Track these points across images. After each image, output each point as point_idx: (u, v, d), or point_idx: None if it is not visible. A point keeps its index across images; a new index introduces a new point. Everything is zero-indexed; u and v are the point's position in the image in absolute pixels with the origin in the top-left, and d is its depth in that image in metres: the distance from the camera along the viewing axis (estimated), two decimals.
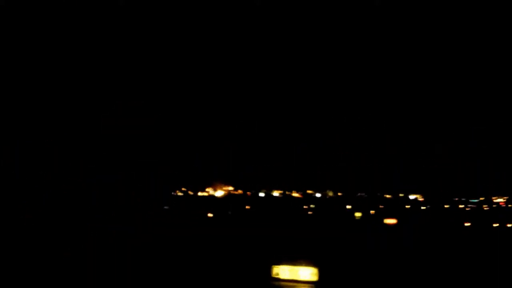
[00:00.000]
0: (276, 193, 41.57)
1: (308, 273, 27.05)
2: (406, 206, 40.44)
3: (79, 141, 39.67)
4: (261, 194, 41.49)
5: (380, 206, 40.46)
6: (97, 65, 38.71)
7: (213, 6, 36.83)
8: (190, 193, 42.24)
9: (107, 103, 39.47)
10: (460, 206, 39.60)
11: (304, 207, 41.22)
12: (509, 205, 39.10)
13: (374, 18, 36.34)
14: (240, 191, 41.71)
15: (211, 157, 39.97)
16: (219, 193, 41.75)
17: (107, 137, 39.67)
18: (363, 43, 36.77)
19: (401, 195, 40.43)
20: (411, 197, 40.49)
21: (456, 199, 39.28)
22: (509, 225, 37.62)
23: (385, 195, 40.67)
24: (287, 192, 41.47)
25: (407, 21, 35.58)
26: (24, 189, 38.92)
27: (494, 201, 39.42)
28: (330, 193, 40.91)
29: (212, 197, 41.92)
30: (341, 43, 36.65)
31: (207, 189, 42.03)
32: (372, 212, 40.40)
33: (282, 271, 27.42)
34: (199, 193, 42.46)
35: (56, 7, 37.57)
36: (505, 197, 39.22)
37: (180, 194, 41.77)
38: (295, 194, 41.41)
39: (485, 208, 39.17)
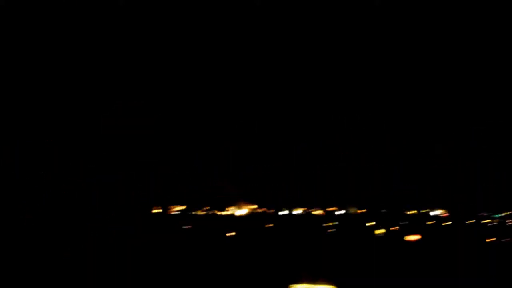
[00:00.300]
0: (297, 211, 41.28)
1: None
2: (429, 222, 40.01)
3: (79, 141, 39.91)
4: (283, 213, 41.21)
5: (403, 223, 40.00)
6: (97, 65, 39.50)
7: (213, 6, 37.93)
8: (212, 212, 42.09)
9: (107, 103, 39.95)
10: (484, 221, 39.11)
11: (325, 225, 40.76)
12: None
13: (374, 18, 37.25)
14: (262, 210, 41.48)
15: (211, 157, 39.95)
16: (241, 211, 41.53)
17: (107, 137, 39.87)
18: (363, 43, 37.48)
19: (423, 211, 40.08)
20: (435, 213, 40.08)
21: (480, 214, 38.84)
22: None
23: (408, 211, 40.29)
24: (308, 210, 41.18)
25: (407, 21, 36.47)
26: (24, 189, 38.91)
27: None
28: (353, 210, 40.54)
29: (233, 216, 41.70)
30: (341, 43, 37.38)
31: (228, 208, 41.85)
32: (395, 228, 39.86)
33: None
34: (221, 212, 42.27)
35: (56, 7, 38.82)
36: None
37: (202, 213, 41.63)
38: (317, 212, 41.06)
39: (509, 223, 38.63)
